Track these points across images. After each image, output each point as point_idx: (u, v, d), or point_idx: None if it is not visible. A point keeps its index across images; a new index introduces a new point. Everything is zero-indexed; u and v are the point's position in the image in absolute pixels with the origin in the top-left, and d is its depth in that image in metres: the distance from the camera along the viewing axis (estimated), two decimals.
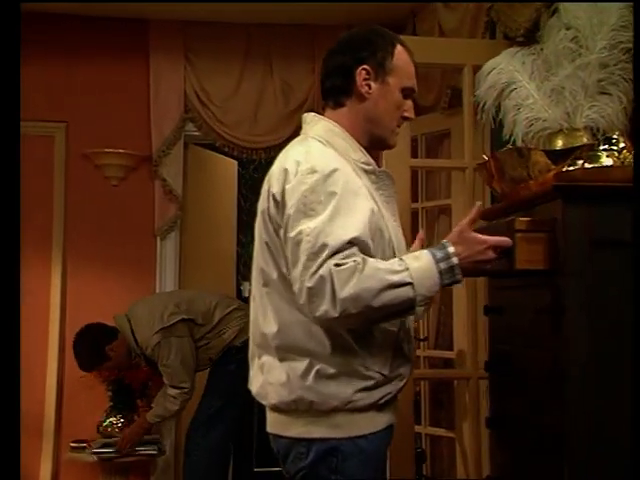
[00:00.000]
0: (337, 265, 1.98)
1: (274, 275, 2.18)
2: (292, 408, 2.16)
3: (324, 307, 1.98)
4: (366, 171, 2.23)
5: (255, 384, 2.28)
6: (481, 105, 2.88)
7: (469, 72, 3.56)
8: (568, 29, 2.62)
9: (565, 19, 2.65)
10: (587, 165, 2.18)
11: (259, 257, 2.25)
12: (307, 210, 2.05)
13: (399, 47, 2.33)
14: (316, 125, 2.31)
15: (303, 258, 2.02)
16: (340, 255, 2.00)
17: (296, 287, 2.04)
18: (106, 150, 5.34)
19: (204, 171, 5.89)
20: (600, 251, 2.08)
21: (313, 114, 2.37)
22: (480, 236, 2.11)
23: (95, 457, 4.81)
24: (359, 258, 2.01)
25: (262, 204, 2.22)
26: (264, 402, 2.26)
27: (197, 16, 5.41)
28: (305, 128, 2.35)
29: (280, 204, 2.12)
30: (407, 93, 2.32)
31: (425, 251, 2.09)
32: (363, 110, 2.28)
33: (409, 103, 2.34)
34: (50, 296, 5.28)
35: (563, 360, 2.12)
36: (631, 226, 2.02)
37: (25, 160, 4.72)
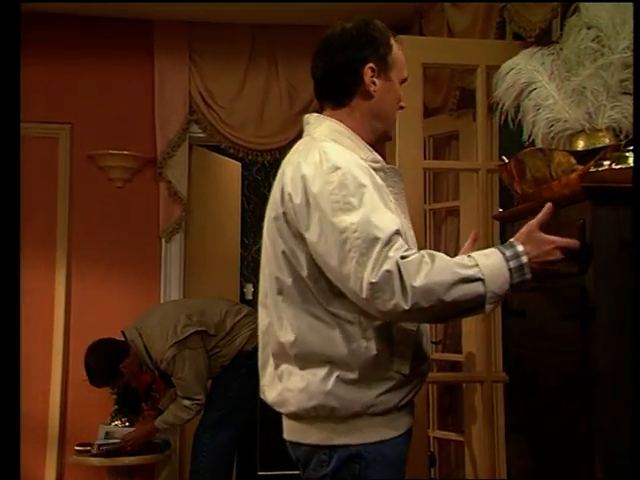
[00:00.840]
0: (403, 257, 1.95)
1: (289, 281, 2.14)
2: (312, 415, 2.13)
3: (394, 301, 1.94)
4: (375, 169, 2.19)
5: (271, 392, 2.23)
6: (500, 106, 2.84)
7: (482, 73, 3.54)
8: (589, 28, 2.60)
9: (586, 18, 2.62)
10: (615, 166, 2.15)
11: (272, 264, 2.20)
12: (342, 206, 2.02)
13: (392, 40, 2.31)
14: (320, 126, 2.27)
15: (355, 255, 1.97)
16: (395, 246, 1.97)
17: (350, 284, 1.99)
18: (111, 152, 5.32)
19: (208, 173, 5.87)
20: (629, 253, 2.05)
21: (316, 115, 2.32)
22: (548, 236, 2.08)
23: (98, 460, 4.78)
24: (423, 251, 2.00)
25: (275, 209, 2.17)
26: (282, 410, 2.22)
27: (202, 17, 5.40)
28: (308, 129, 2.30)
29: (306, 208, 2.07)
30: (402, 83, 2.33)
31: (493, 249, 2.06)
32: (368, 108, 2.26)
33: (401, 92, 2.34)
34: (54, 298, 5.26)
35: (591, 364, 2.10)
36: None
37: (29, 162, 4.79)
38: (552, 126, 2.63)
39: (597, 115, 2.54)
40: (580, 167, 2.30)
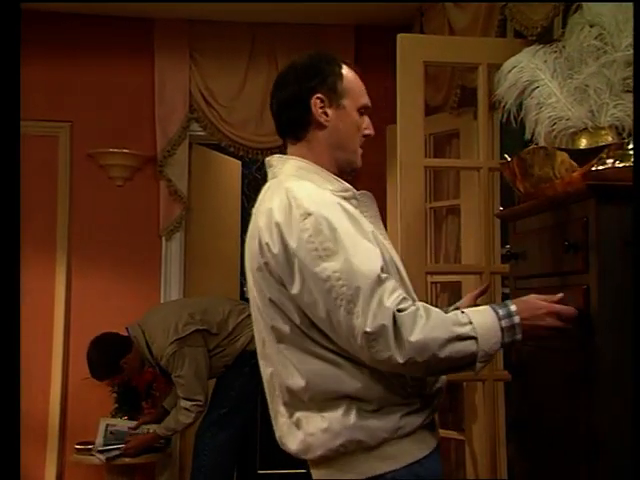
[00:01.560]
0: (399, 311, 1.94)
1: (287, 329, 2.10)
2: (341, 452, 2.08)
3: (389, 353, 1.94)
4: (346, 198, 2.18)
5: (292, 442, 2.17)
6: (502, 104, 2.84)
7: (484, 71, 3.54)
8: (592, 26, 2.59)
9: (589, 16, 2.61)
10: (618, 164, 2.15)
11: (265, 315, 2.16)
12: (321, 253, 2.00)
13: (345, 67, 2.30)
14: (284, 166, 2.25)
15: (342, 302, 1.97)
16: (388, 292, 1.96)
17: (343, 332, 1.99)
18: (111, 150, 5.33)
19: (209, 171, 5.87)
20: (632, 251, 2.04)
21: (278, 156, 2.31)
22: (542, 302, 2.08)
23: (102, 457, 4.77)
24: (418, 303, 1.99)
25: (257, 260, 2.13)
26: (308, 456, 2.15)
27: (202, 15, 5.41)
28: (273, 171, 2.28)
29: (286, 259, 2.04)
30: (363, 111, 2.31)
31: (487, 307, 2.06)
32: (324, 139, 2.25)
33: (367, 120, 2.32)
34: (54, 297, 5.28)
35: (592, 362, 2.09)
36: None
37: (29, 160, 4.78)
38: (554, 124, 2.62)
39: (600, 113, 2.53)
40: (583, 165, 2.29)
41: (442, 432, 4.60)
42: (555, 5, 3.16)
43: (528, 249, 2.57)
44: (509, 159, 2.56)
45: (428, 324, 1.95)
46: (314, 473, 2.20)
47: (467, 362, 2.00)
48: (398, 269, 2.19)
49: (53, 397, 5.20)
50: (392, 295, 1.97)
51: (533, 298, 2.10)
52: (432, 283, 4.49)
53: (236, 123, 5.48)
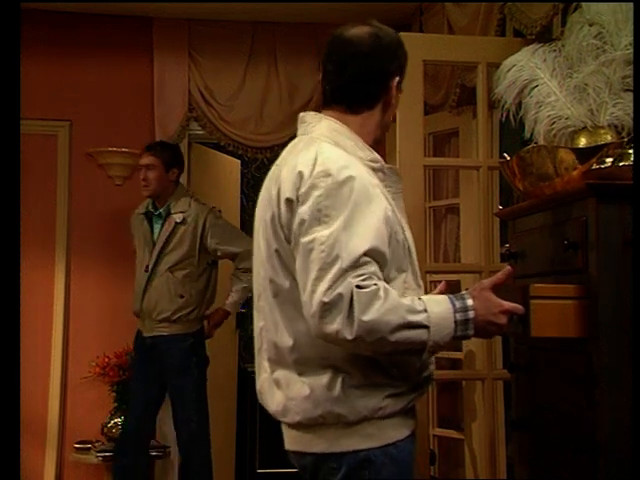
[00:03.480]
0: (359, 287, 1.92)
1: (286, 284, 2.09)
2: (319, 422, 2.07)
3: (337, 327, 1.91)
4: (374, 169, 2.15)
5: (272, 402, 2.17)
6: (501, 103, 2.83)
7: (483, 70, 3.54)
8: (591, 25, 2.59)
9: (588, 15, 2.61)
10: (617, 163, 2.15)
11: (267, 267, 2.14)
12: (321, 216, 1.98)
13: None
14: (319, 124, 2.20)
15: (315, 267, 1.94)
16: (357, 273, 1.93)
17: (305, 296, 1.97)
18: (110, 149, 5.33)
19: (208, 170, 5.87)
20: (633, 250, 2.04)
21: (313, 113, 2.25)
22: (498, 300, 2.06)
23: (100, 458, 4.78)
24: (380, 283, 1.95)
25: (270, 210, 2.12)
26: (285, 419, 2.15)
27: (202, 14, 5.40)
28: (305, 128, 2.23)
29: (294, 209, 2.04)
30: None
31: (445, 297, 2.04)
32: (382, 119, 2.24)
33: None
34: (54, 296, 5.27)
35: (593, 362, 2.09)
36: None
37: (28, 159, 4.78)
38: (554, 123, 2.62)
39: (599, 112, 2.53)
40: (582, 165, 2.29)
41: (441, 431, 4.65)
42: (554, 4, 3.17)
43: (527, 248, 2.57)
44: (508, 158, 2.56)
45: (384, 306, 1.92)
46: (286, 433, 2.19)
47: (415, 349, 1.99)
48: (410, 249, 2.17)
49: (52, 396, 5.19)
50: (360, 277, 1.94)
51: (487, 291, 2.06)
52: (431, 282, 4.49)
53: (235, 122, 5.48)
